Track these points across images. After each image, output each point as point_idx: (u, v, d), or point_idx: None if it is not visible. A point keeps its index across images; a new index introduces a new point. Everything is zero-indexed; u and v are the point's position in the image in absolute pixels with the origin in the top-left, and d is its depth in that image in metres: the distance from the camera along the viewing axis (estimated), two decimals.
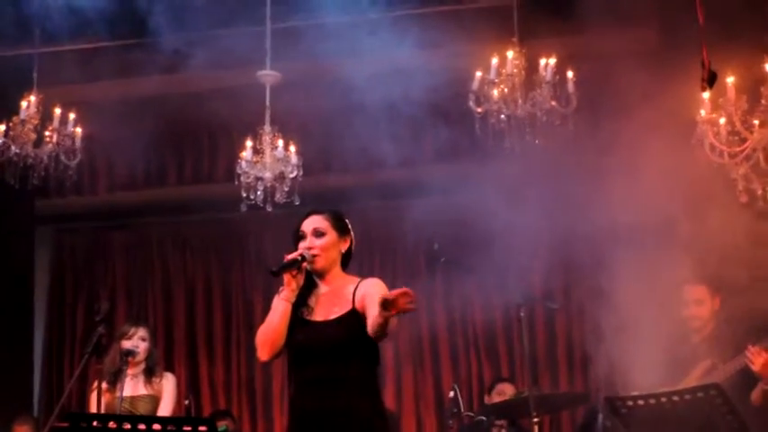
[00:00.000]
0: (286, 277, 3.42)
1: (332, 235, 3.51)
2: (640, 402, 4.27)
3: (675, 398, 4.18)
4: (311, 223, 3.52)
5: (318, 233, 3.49)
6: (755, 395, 4.73)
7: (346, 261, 3.60)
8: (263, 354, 3.46)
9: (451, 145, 6.56)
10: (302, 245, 3.49)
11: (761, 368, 4.68)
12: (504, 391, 6.30)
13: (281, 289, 3.49)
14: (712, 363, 4.89)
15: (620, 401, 4.38)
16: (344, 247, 3.57)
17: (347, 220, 3.61)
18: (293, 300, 3.45)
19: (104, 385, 4.92)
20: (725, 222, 4.97)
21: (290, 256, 3.44)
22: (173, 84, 6.50)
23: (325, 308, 3.48)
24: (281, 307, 3.45)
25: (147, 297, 8.24)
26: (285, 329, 3.44)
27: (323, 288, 3.54)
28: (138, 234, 8.39)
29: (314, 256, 3.45)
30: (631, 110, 5.10)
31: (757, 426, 4.40)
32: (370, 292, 3.37)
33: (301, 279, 3.46)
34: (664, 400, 4.20)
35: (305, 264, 3.44)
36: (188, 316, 8.14)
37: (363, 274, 3.65)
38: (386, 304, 3.01)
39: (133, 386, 5.17)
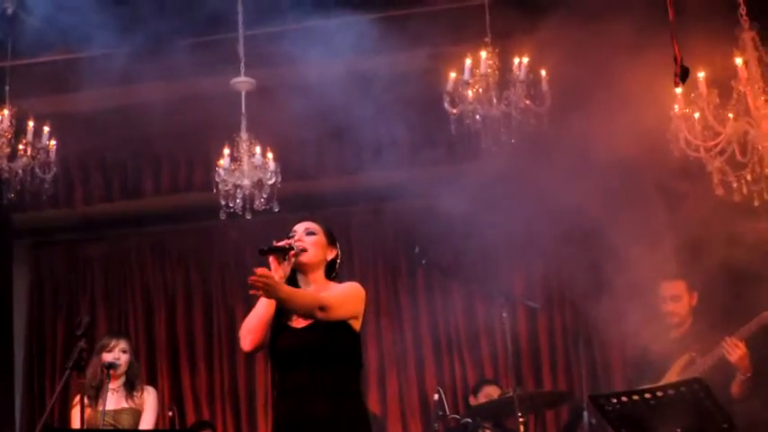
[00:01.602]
0: (273, 264, 3.48)
1: (322, 238, 3.64)
2: (624, 399, 4.28)
3: (659, 393, 4.19)
4: (304, 224, 3.66)
5: (309, 232, 3.62)
6: (735, 387, 4.76)
7: (330, 271, 3.67)
8: (245, 343, 3.52)
9: (428, 147, 6.56)
10: (292, 239, 3.57)
11: (738, 359, 4.72)
12: (491, 394, 6.31)
13: None
14: (690, 357, 4.92)
15: (604, 399, 4.39)
16: (331, 255, 3.67)
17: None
18: None
19: (86, 400, 4.88)
20: (702, 216, 4.99)
21: (279, 243, 3.52)
22: (146, 93, 6.45)
23: None
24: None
25: (128, 309, 8.17)
26: (270, 318, 3.49)
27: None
28: (116, 246, 8.32)
29: (302, 248, 3.53)
30: (605, 105, 5.11)
31: (738, 416, 4.42)
32: (331, 290, 3.50)
33: (288, 268, 3.51)
34: (648, 396, 4.21)
35: (292, 253, 3.51)
36: (169, 326, 8.08)
37: (344, 278, 3.71)
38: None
39: (116, 400, 5.14)
